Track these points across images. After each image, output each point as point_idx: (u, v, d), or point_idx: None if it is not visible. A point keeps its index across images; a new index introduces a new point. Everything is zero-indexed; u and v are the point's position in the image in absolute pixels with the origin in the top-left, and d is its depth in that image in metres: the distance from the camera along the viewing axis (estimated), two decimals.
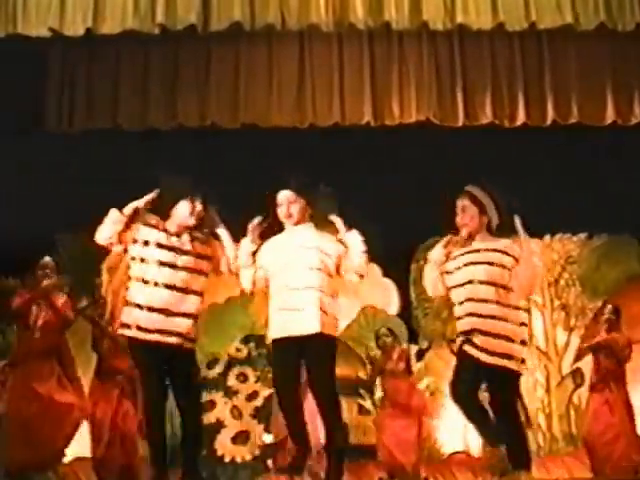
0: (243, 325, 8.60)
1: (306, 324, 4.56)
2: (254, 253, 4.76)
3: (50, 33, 7.12)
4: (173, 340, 4.61)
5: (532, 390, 8.84)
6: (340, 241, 4.72)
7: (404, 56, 8.17)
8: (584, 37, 7.82)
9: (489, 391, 4.67)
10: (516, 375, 4.68)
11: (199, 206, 4.76)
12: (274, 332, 4.69)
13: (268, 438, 7.63)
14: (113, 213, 4.71)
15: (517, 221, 4.72)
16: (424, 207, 7.16)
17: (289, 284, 4.62)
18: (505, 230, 4.85)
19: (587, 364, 8.60)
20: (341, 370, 8.22)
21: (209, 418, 7.84)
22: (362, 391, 8.51)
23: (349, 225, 4.84)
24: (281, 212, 4.79)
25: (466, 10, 7.28)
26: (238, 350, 8.32)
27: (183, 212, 4.74)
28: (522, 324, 4.68)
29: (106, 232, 4.69)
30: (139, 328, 4.61)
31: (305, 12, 7.25)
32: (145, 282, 4.65)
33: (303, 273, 4.61)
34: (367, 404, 8.52)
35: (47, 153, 7.93)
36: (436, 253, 4.86)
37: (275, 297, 4.69)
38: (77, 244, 8.13)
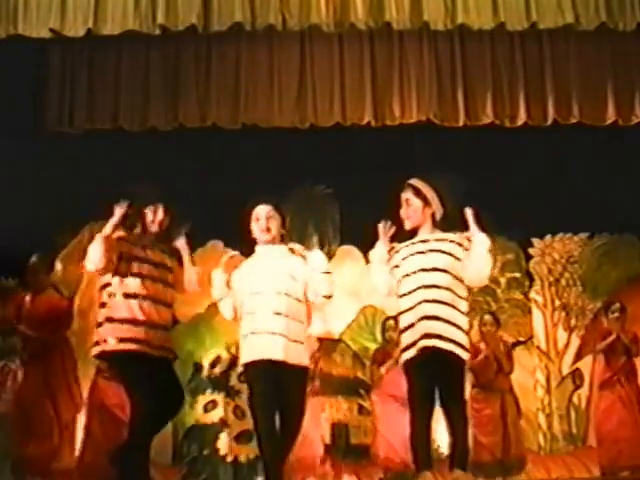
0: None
1: (271, 349, 4.51)
2: (228, 282, 4.72)
3: (51, 34, 7.13)
4: (153, 351, 4.63)
5: (532, 390, 8.84)
6: (306, 262, 4.65)
7: (405, 56, 8.19)
8: (585, 37, 7.84)
9: (441, 385, 4.60)
10: (462, 363, 4.64)
11: (161, 214, 4.76)
12: (244, 357, 4.65)
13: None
14: (98, 238, 4.64)
15: (469, 213, 4.72)
16: None
17: (257, 310, 4.58)
18: (452, 223, 4.83)
19: (586, 365, 8.63)
20: (341, 370, 8.28)
21: (211, 418, 7.85)
22: (362, 391, 8.49)
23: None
24: (259, 226, 4.71)
25: (467, 10, 7.28)
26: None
27: (147, 222, 4.76)
28: (465, 313, 4.69)
29: (96, 257, 4.61)
30: (120, 340, 4.63)
31: (306, 12, 7.25)
32: (124, 296, 4.67)
33: (269, 298, 4.56)
34: (367, 404, 8.50)
35: (47, 153, 7.94)
36: (379, 251, 4.81)
37: (244, 322, 4.65)
38: (77, 244, 8.14)
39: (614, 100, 8.14)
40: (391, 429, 7.28)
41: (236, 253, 4.83)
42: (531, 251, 9.15)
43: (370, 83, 8.14)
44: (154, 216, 4.75)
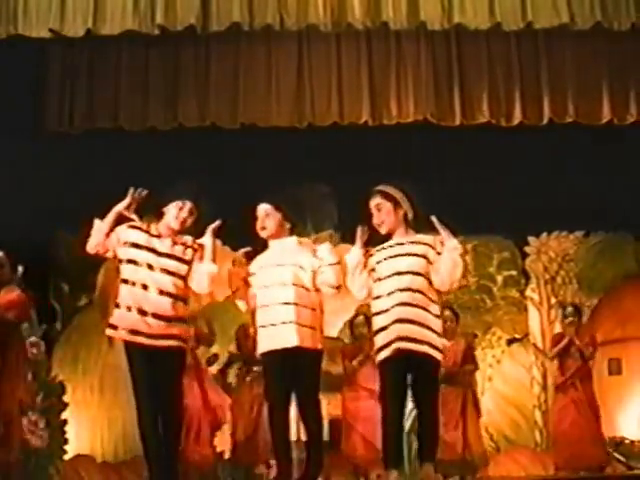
0: (242, 322, 8.64)
1: (285, 338, 4.63)
2: (245, 279, 4.81)
3: (51, 34, 7.17)
4: (158, 342, 4.67)
5: (529, 387, 8.90)
6: (315, 255, 4.76)
7: (402, 56, 8.23)
8: (580, 36, 7.88)
9: (412, 382, 4.71)
10: (436, 363, 4.75)
11: (185, 212, 4.80)
12: (260, 347, 4.80)
13: None
14: (96, 223, 4.79)
15: (434, 220, 4.77)
16: (423, 207, 7.20)
17: (267, 301, 4.71)
18: (424, 228, 4.87)
19: None
20: (338, 368, 8.31)
21: None
22: None
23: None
24: (257, 225, 4.83)
25: (463, 10, 7.34)
26: None
27: (169, 215, 4.80)
28: (437, 316, 4.77)
29: (91, 241, 4.79)
30: (126, 330, 4.68)
31: (303, 12, 7.31)
32: (127, 283, 4.72)
33: (278, 289, 4.68)
34: None
35: (47, 153, 7.98)
36: (355, 256, 4.86)
37: (259, 314, 4.78)
38: (77, 244, 8.16)
39: (609, 99, 8.19)
40: (366, 424, 7.33)
41: (249, 249, 4.88)
42: (527, 249, 9.20)
43: (367, 83, 8.18)
44: (178, 212, 4.80)
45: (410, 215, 4.86)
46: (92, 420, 8.35)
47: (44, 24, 7.12)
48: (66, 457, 7.22)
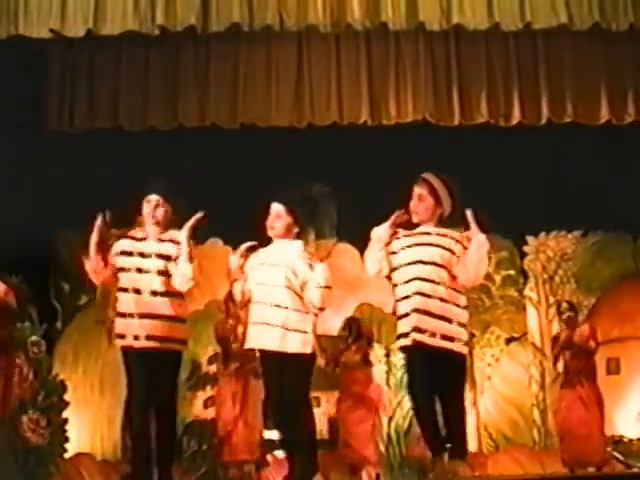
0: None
1: (267, 339, 4.64)
2: (242, 267, 4.78)
3: (51, 34, 7.19)
4: (155, 344, 4.69)
5: (527, 386, 8.93)
6: (311, 268, 4.68)
7: (401, 56, 8.26)
8: (578, 37, 7.92)
9: (437, 377, 4.70)
10: (461, 357, 4.77)
11: (152, 205, 4.78)
12: (248, 342, 4.81)
13: (268, 433, 7.71)
14: (85, 262, 4.81)
15: (469, 214, 4.78)
16: None
17: (259, 298, 4.70)
18: (455, 221, 4.88)
19: None
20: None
21: (211, 413, 7.92)
22: None
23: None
24: (267, 222, 4.81)
25: (462, 10, 7.35)
26: None
27: (143, 214, 4.82)
28: (464, 307, 4.79)
29: (89, 269, 4.84)
30: (125, 337, 4.72)
31: (303, 13, 7.32)
32: (122, 290, 4.76)
33: (271, 289, 4.66)
34: None
35: (47, 153, 8.00)
36: (382, 231, 4.84)
37: (251, 310, 4.77)
38: (77, 243, 8.19)
39: (607, 99, 8.22)
40: (351, 425, 7.40)
41: (254, 243, 4.88)
42: (525, 249, 9.23)
43: (366, 83, 8.21)
44: (153, 210, 4.80)
45: (446, 214, 4.86)
46: (92, 419, 8.38)
47: (45, 24, 7.13)
48: (67, 455, 7.26)
